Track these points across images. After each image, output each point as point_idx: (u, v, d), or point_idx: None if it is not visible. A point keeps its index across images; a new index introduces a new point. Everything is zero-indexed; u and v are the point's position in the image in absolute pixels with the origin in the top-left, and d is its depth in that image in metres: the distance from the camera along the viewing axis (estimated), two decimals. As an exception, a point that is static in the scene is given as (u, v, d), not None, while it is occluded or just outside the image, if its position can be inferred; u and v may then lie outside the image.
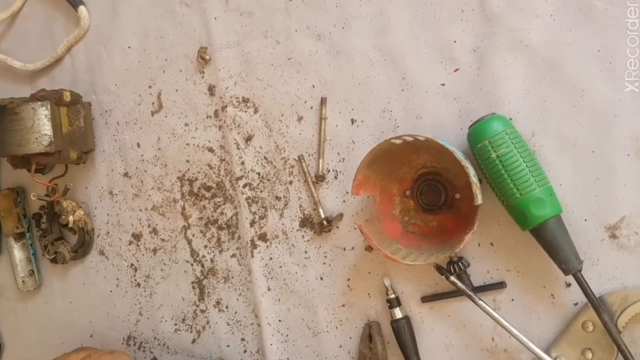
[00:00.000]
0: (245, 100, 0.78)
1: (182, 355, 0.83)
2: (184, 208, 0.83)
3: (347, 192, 0.73)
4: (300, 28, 0.74)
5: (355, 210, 0.73)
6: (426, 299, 0.70)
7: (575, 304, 0.64)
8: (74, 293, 0.91)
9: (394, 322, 0.69)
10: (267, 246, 0.78)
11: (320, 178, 0.74)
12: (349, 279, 0.74)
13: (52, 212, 0.88)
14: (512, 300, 0.66)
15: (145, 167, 0.84)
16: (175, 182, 0.83)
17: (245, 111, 0.78)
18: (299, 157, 0.75)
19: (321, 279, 0.75)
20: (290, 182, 0.76)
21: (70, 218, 0.85)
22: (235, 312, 0.80)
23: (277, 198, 0.77)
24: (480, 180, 0.63)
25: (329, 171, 0.74)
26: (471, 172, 0.60)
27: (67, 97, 0.81)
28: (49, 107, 0.78)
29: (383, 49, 0.71)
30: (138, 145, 0.84)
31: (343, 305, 0.74)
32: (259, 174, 0.78)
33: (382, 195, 0.69)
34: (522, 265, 0.66)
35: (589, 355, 0.62)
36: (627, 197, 0.62)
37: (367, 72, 0.72)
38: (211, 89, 0.79)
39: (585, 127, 0.63)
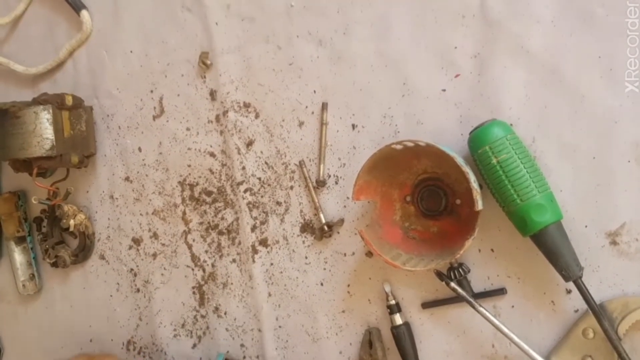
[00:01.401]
0: (247, 105, 0.78)
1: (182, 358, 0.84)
2: (184, 213, 0.83)
3: (348, 198, 0.73)
4: (301, 33, 0.75)
5: (356, 215, 0.73)
6: (426, 305, 0.70)
7: (576, 311, 0.64)
8: (74, 297, 0.91)
9: (394, 328, 0.69)
10: (267, 251, 0.78)
11: (321, 183, 0.74)
12: (349, 285, 0.74)
13: (53, 216, 0.88)
14: (513, 306, 0.66)
15: (147, 172, 0.84)
16: (176, 186, 0.83)
17: (247, 116, 0.78)
18: (299, 162, 0.75)
19: (321, 284, 0.75)
20: (291, 188, 0.76)
21: (71, 222, 0.85)
22: (235, 318, 0.80)
23: (278, 203, 0.77)
24: (480, 186, 0.63)
25: (329, 176, 0.74)
26: (472, 177, 0.60)
27: (69, 101, 0.81)
28: (50, 111, 0.78)
29: (384, 54, 0.71)
30: (139, 149, 0.85)
31: (343, 311, 0.74)
32: (259, 179, 0.78)
33: (382, 200, 0.69)
34: (522, 272, 0.66)
35: (590, 362, 0.62)
36: (627, 204, 0.62)
37: (368, 78, 0.72)
38: (212, 94, 0.80)
39: (585, 133, 0.63)
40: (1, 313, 0.96)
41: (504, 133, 0.61)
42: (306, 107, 0.75)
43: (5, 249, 0.93)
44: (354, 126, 0.73)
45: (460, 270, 0.65)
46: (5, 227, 0.92)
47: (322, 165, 0.74)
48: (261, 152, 0.78)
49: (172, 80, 0.82)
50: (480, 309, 0.64)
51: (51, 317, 0.93)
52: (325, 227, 0.73)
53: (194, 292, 0.83)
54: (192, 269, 0.83)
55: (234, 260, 0.80)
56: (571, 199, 0.63)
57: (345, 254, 0.74)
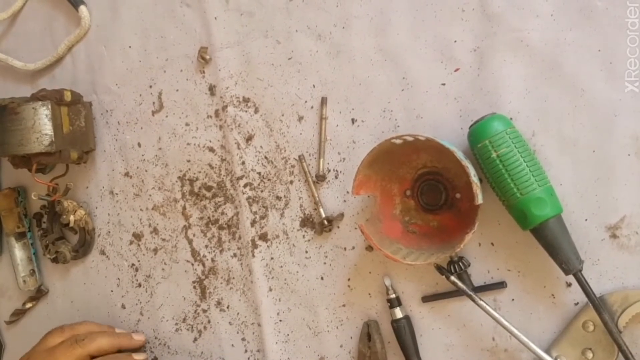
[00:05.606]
0: (246, 100, 0.78)
1: (183, 355, 0.84)
2: (184, 208, 0.83)
3: (348, 192, 0.73)
4: (300, 28, 0.74)
5: (356, 210, 0.73)
6: (427, 298, 0.70)
7: (576, 304, 0.64)
8: (75, 293, 0.91)
9: (395, 322, 0.69)
10: (267, 246, 0.78)
11: (320, 178, 0.74)
12: (349, 279, 0.74)
13: (53, 212, 0.88)
14: (513, 300, 0.66)
15: (146, 167, 0.84)
16: (176, 181, 0.83)
17: (246, 111, 0.78)
18: (299, 156, 0.75)
19: (322, 278, 0.75)
20: (291, 182, 0.76)
21: (71, 218, 0.85)
22: (237, 313, 0.80)
23: (278, 198, 0.77)
24: (480, 180, 0.63)
25: (329, 171, 0.74)
26: (471, 171, 0.60)
27: (67, 96, 0.81)
28: (49, 106, 0.78)
29: (383, 48, 0.71)
30: (139, 145, 0.85)
31: (343, 305, 0.74)
32: (259, 173, 0.78)
33: (382, 195, 0.69)
34: (522, 265, 0.66)
35: (590, 355, 0.62)
36: (627, 197, 0.62)
37: (367, 72, 0.72)
38: (212, 89, 0.80)
39: (585, 126, 0.63)
40: (2, 309, 0.96)
41: (504, 127, 0.61)
42: (305, 101, 0.75)
43: (5, 245, 0.93)
44: (353, 120, 0.73)
45: (461, 264, 0.66)
46: (6, 223, 0.92)
47: (321, 160, 0.74)
48: (261, 146, 0.78)
49: (171, 76, 0.82)
50: (481, 302, 0.64)
51: (52, 312, 0.93)
52: (325, 222, 0.73)
53: (194, 287, 0.83)
54: (192, 264, 0.83)
55: (234, 255, 0.80)
56: (571, 192, 0.64)
57: (345, 248, 0.74)
